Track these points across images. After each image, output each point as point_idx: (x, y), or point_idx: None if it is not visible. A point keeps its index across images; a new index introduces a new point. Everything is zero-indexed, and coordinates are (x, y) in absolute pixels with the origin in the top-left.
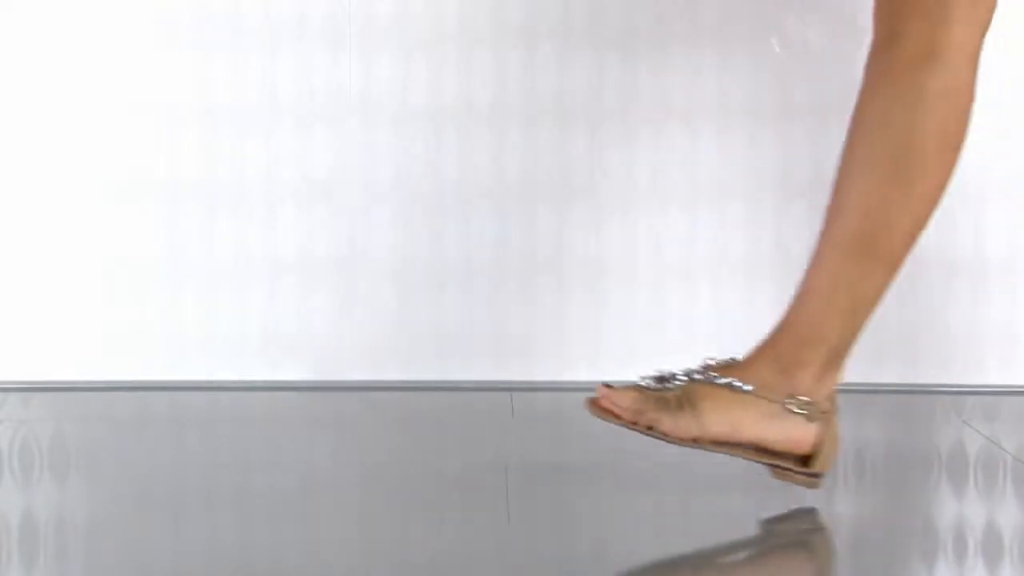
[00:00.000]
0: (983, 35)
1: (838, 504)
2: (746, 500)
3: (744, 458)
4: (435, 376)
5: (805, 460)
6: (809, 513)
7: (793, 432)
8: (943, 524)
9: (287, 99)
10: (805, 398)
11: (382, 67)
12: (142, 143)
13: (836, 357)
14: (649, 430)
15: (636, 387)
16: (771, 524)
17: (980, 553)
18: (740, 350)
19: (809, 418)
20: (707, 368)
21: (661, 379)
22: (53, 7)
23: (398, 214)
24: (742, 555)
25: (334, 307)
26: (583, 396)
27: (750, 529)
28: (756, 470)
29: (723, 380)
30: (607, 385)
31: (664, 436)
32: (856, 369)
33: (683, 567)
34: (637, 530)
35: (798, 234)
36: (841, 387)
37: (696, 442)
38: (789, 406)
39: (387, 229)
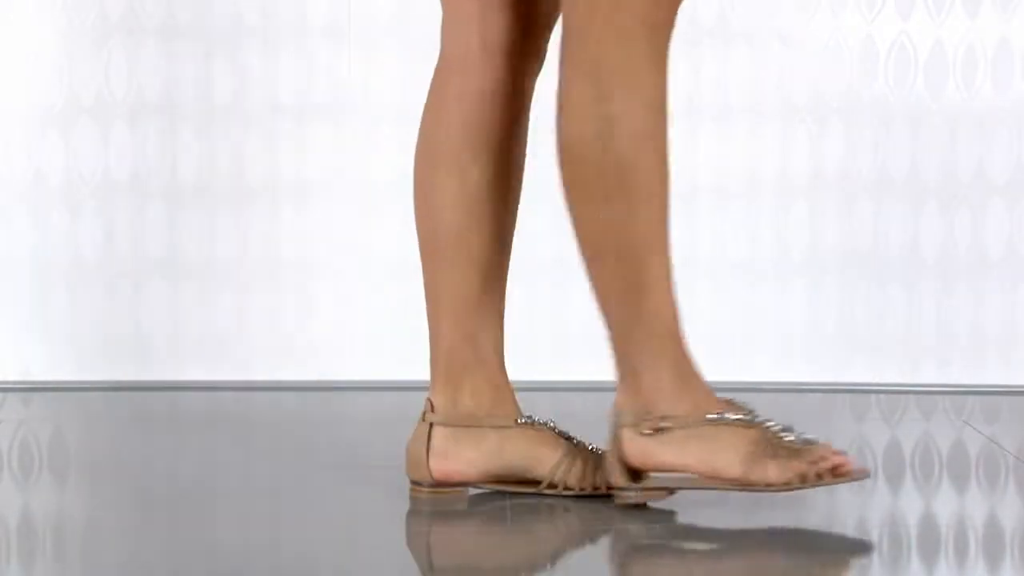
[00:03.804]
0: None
1: (839, 504)
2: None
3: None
4: None
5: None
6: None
7: None
8: (944, 524)
9: (287, 99)
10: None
11: (382, 67)
12: (142, 144)
13: (450, 370)
14: None
15: None
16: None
17: (982, 552)
18: (738, 348)
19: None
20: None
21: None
22: (55, 8)
23: (399, 214)
24: (732, 552)
25: (334, 307)
26: (583, 396)
27: (737, 528)
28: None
29: None
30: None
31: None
32: (857, 369)
33: (679, 565)
34: (635, 529)
35: (798, 234)
36: (842, 387)
37: None
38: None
39: (387, 229)
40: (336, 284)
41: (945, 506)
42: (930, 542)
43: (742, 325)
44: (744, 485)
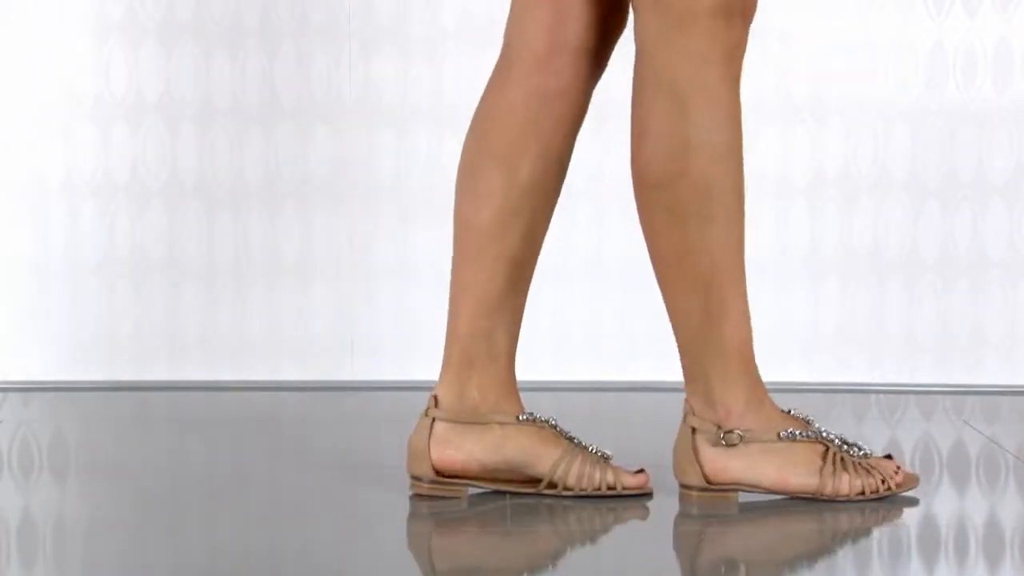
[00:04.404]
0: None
1: (839, 504)
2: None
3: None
4: (435, 376)
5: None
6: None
7: None
8: (944, 524)
9: (287, 99)
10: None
11: (382, 67)
12: (142, 143)
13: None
14: None
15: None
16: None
17: (982, 552)
18: None
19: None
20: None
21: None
22: (56, 9)
23: (398, 214)
24: (736, 557)
25: (334, 307)
26: (583, 396)
27: (748, 531)
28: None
29: None
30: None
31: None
32: (857, 369)
33: (678, 566)
34: (635, 530)
35: (798, 234)
36: (842, 387)
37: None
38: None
39: (387, 229)
40: (336, 284)
41: (945, 506)
42: (930, 542)
43: None
44: (815, 495)
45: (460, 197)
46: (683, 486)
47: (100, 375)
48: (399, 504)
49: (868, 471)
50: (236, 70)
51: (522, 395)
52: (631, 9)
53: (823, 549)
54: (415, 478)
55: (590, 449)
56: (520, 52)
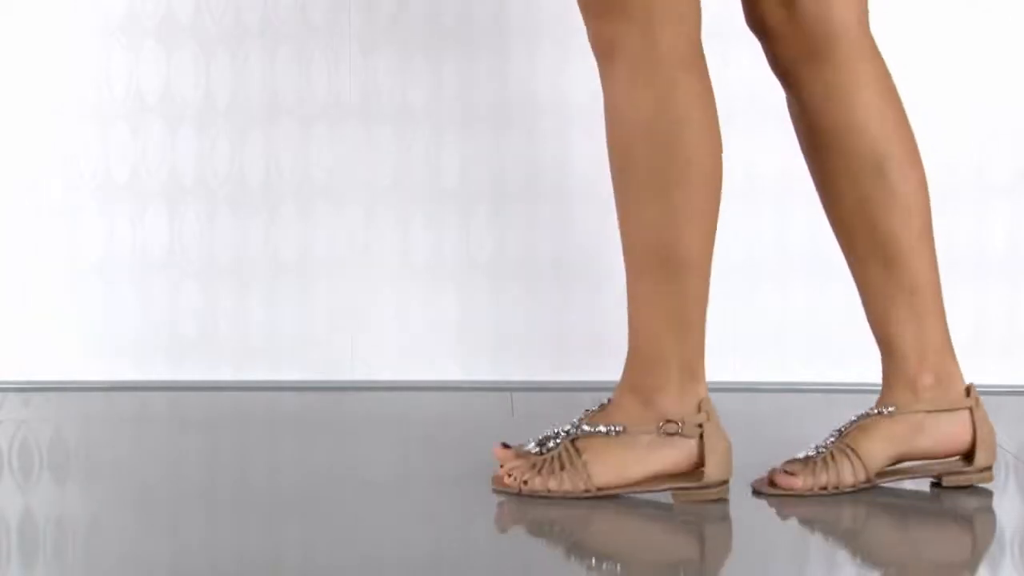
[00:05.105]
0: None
1: (838, 504)
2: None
3: (648, 491)
4: (434, 376)
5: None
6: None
7: (674, 454)
8: (944, 524)
9: (287, 99)
10: (673, 419)
11: (382, 67)
12: (143, 143)
13: (689, 369)
14: (533, 493)
15: (522, 454)
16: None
17: (982, 553)
18: (739, 349)
19: (685, 436)
20: (580, 421)
21: (542, 442)
22: (57, 9)
23: (398, 214)
24: (720, 560)
25: (333, 307)
26: (583, 396)
27: (759, 529)
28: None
29: (597, 428)
30: (505, 445)
31: (553, 495)
32: (857, 369)
33: (678, 567)
34: (636, 530)
35: (798, 234)
36: (843, 387)
37: (589, 493)
38: (664, 431)
39: (387, 229)
40: (335, 284)
41: (944, 506)
42: (929, 542)
43: (742, 325)
44: None
45: (703, 184)
46: (988, 468)
47: (100, 375)
48: (397, 503)
49: None
50: (236, 70)
51: (525, 396)
52: None
53: (824, 546)
54: (712, 485)
55: None
56: (674, 55)
